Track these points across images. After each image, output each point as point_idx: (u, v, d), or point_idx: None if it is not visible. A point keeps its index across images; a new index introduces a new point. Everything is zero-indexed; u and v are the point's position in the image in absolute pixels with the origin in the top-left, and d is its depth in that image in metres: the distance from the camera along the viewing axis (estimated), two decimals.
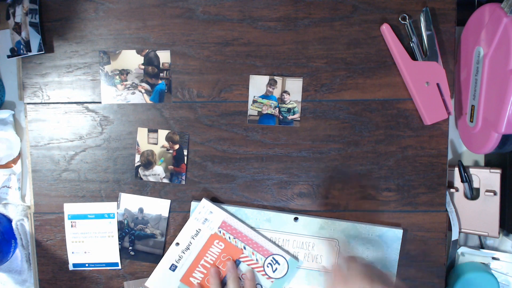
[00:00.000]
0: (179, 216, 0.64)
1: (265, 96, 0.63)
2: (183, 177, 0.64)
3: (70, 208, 0.64)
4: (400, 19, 0.61)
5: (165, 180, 0.64)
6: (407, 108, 0.62)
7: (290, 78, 0.62)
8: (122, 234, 0.65)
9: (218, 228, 0.62)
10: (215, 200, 0.64)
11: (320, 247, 0.63)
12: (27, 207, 0.67)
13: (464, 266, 0.65)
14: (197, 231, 0.62)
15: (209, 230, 0.62)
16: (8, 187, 0.67)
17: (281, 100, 0.63)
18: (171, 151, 0.64)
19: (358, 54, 0.62)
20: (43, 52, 0.62)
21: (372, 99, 0.63)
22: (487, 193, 0.63)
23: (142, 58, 0.63)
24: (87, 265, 0.65)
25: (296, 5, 0.62)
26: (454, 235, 0.65)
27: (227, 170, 0.64)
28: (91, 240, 0.65)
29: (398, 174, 0.63)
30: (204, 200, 0.62)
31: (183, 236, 0.62)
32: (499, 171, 0.63)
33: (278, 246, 0.62)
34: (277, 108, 0.63)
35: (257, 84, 0.63)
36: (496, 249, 0.66)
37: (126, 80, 0.63)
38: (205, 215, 0.62)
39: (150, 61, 0.63)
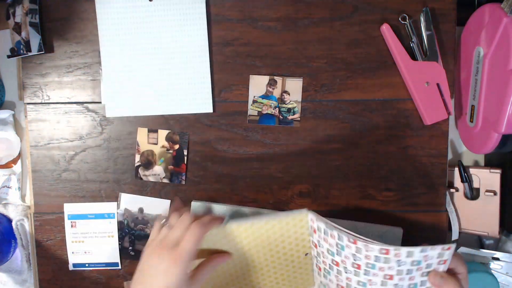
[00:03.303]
0: None
1: (265, 96, 0.63)
2: (183, 177, 0.64)
3: (70, 208, 0.64)
4: (400, 19, 0.61)
5: (165, 180, 0.64)
6: (407, 108, 0.62)
7: (290, 78, 0.62)
8: (122, 234, 0.65)
9: None
10: (213, 200, 0.64)
11: None
12: (27, 207, 0.67)
13: None
14: None
15: None
16: (8, 187, 0.67)
17: (281, 100, 0.63)
18: (171, 151, 0.64)
19: (358, 54, 0.62)
20: (43, 52, 0.61)
21: (372, 99, 0.63)
22: (487, 193, 0.63)
23: None
24: (87, 265, 0.65)
25: (296, 5, 0.62)
26: (454, 235, 0.65)
27: (227, 170, 0.64)
28: (91, 240, 0.65)
29: (398, 174, 0.63)
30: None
31: None
32: (499, 171, 0.63)
33: None
34: (277, 108, 0.63)
35: (257, 84, 0.63)
36: (496, 249, 0.66)
37: None
38: None
39: None
